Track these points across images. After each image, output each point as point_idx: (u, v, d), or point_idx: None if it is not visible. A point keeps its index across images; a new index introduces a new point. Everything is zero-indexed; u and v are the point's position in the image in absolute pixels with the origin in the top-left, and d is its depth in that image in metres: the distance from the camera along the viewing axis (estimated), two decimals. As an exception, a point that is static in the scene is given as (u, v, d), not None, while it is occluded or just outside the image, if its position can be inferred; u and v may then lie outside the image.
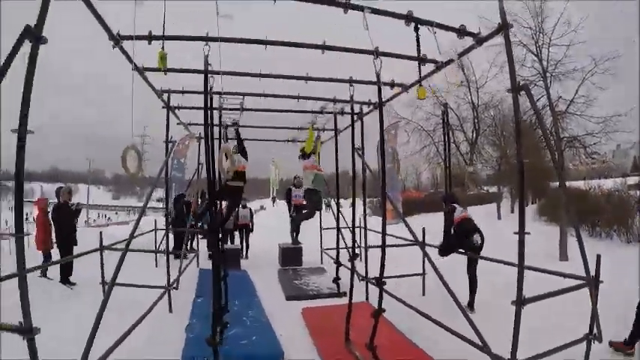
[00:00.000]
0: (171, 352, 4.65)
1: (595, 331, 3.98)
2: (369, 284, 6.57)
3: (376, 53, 4.30)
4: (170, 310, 6.16)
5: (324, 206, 9.94)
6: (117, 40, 4.05)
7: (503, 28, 3.54)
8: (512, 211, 22.30)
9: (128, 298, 5.34)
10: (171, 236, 9.77)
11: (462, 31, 4.11)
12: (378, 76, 4.37)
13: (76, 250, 7.48)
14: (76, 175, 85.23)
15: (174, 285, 6.38)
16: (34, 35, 2.47)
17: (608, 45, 12.47)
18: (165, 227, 7.45)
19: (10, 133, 2.44)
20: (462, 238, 6.44)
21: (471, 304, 6.20)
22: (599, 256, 4.02)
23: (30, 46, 2.49)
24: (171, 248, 7.73)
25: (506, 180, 18.03)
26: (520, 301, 3.30)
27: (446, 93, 15.74)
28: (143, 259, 8.15)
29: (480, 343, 3.72)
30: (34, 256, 6.70)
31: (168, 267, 6.29)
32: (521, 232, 3.36)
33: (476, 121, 17.85)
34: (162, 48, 4.02)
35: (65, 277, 7.39)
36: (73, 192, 8.46)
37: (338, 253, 6.81)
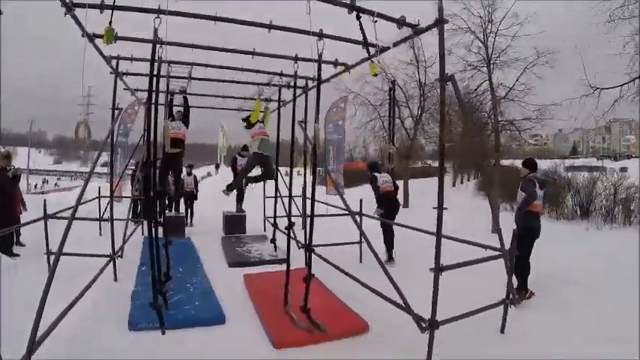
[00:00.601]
0: (118, 319, 4.71)
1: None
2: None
3: (320, 35, 4.62)
4: (115, 279, 6.15)
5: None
6: (69, 7, 3.95)
7: (439, 23, 3.91)
8: (454, 185, 23.57)
9: (72, 266, 5.23)
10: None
11: (401, 22, 4.32)
12: (319, 56, 4.74)
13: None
14: (16, 137, 79.91)
15: (119, 253, 6.36)
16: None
17: (551, 40, 13.42)
18: (110, 195, 7.34)
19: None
20: (385, 207, 7.33)
21: (390, 257, 7.16)
22: (514, 231, 4.67)
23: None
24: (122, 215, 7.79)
25: (449, 155, 18.99)
26: (438, 268, 3.76)
27: (394, 70, 16.26)
28: (87, 227, 7.95)
29: (404, 305, 4.12)
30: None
31: (112, 235, 6.29)
32: (440, 208, 3.89)
33: (422, 99, 18.44)
34: (110, 23, 4.01)
35: (7, 247, 6.95)
36: (11, 156, 7.74)
37: (275, 219, 7.46)
